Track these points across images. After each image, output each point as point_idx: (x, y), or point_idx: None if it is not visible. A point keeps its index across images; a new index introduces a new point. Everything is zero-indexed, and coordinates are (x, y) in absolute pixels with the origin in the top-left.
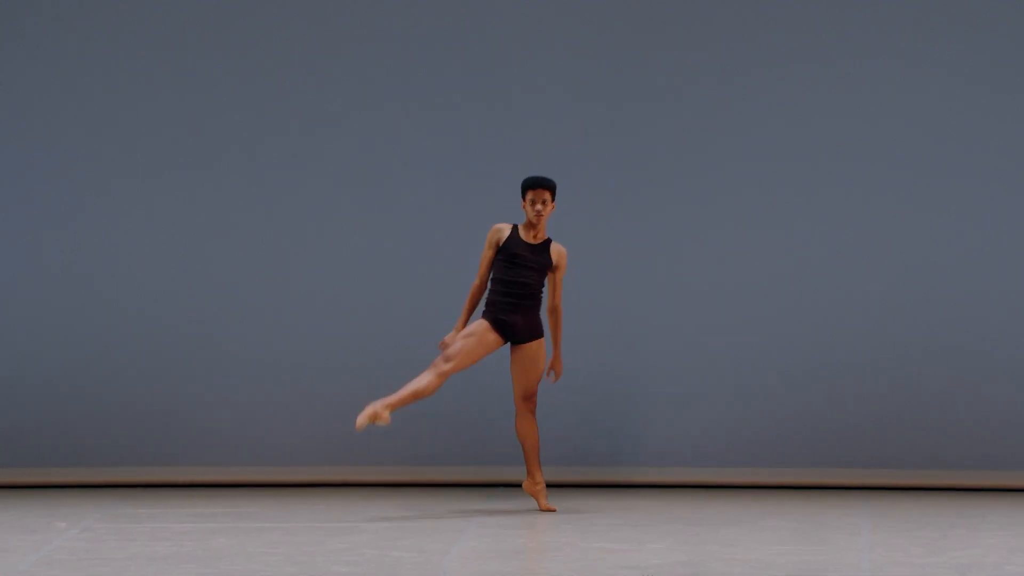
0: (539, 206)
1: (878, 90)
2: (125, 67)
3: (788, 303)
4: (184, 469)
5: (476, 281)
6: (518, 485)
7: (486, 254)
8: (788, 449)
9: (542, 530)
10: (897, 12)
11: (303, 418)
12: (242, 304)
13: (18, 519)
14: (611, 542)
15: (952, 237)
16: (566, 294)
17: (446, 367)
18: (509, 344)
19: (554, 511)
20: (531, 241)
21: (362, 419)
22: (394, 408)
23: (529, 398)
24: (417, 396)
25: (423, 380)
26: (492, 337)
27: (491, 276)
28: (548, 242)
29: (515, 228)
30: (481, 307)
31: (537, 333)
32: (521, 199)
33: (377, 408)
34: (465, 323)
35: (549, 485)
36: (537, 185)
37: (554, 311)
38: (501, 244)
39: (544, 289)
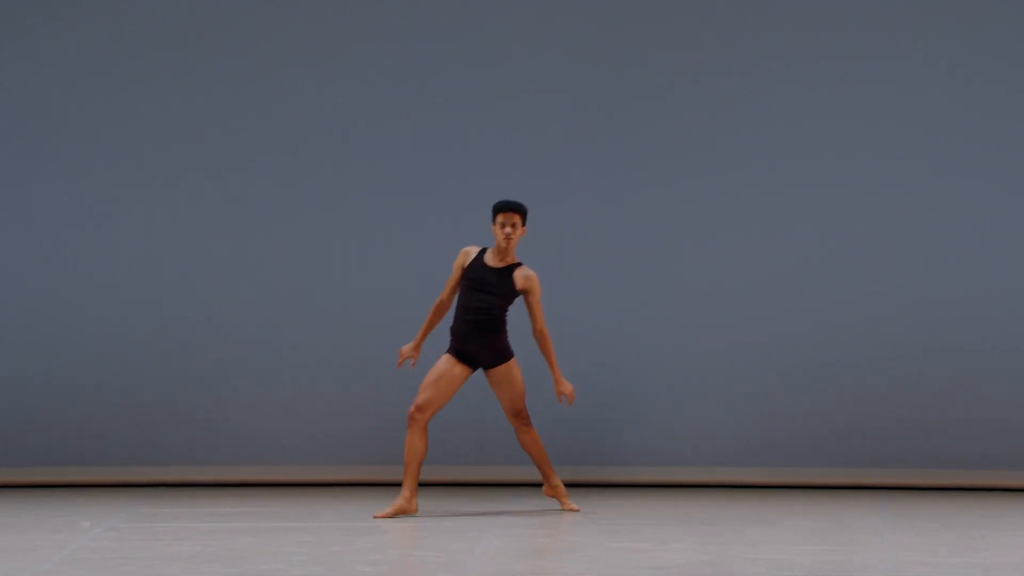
0: (508, 229)
1: (878, 90)
2: (138, 69)
3: (805, 302)
4: (208, 469)
5: (439, 297)
6: (541, 485)
7: (452, 275)
8: (808, 449)
9: (565, 530)
10: (899, 12)
11: (327, 417)
12: (267, 304)
13: (43, 518)
14: (635, 542)
15: (965, 234)
16: (578, 298)
17: (423, 416)
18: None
19: (577, 511)
20: (496, 265)
21: (388, 512)
22: (414, 490)
23: (518, 414)
24: (418, 458)
25: (412, 443)
26: (458, 370)
27: (456, 300)
28: (514, 267)
29: (483, 252)
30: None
31: (503, 356)
32: (491, 222)
33: (400, 504)
34: (424, 336)
35: (569, 485)
36: (507, 209)
37: (540, 336)
38: (466, 267)
39: (508, 313)
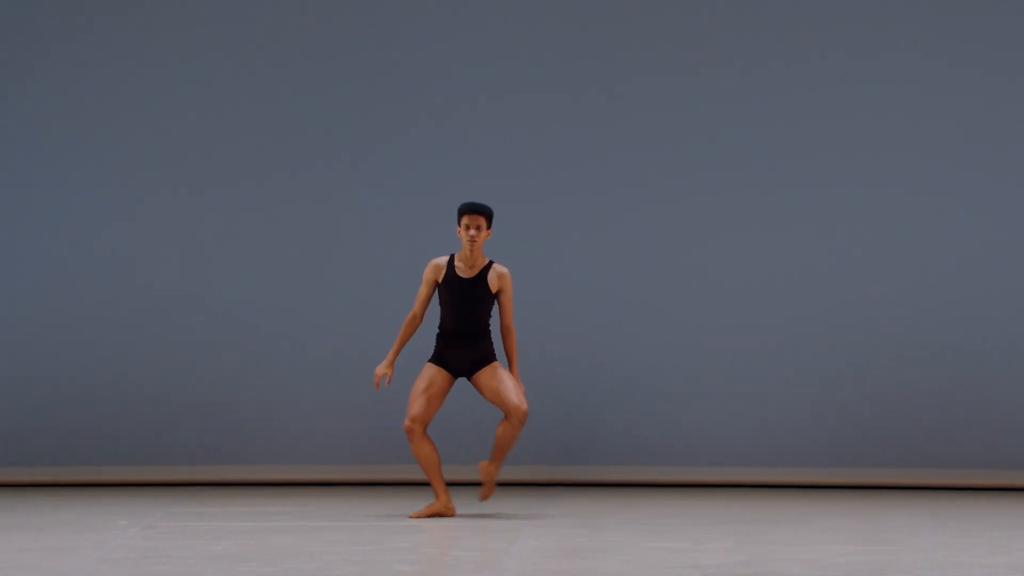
0: (473, 232)
1: (901, 89)
2: (167, 76)
3: (841, 300)
4: (246, 468)
5: (410, 314)
6: (577, 485)
7: (422, 291)
8: (846, 449)
9: (603, 530)
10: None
11: (364, 417)
12: (303, 305)
13: (81, 518)
14: (672, 541)
15: (992, 229)
16: (610, 298)
17: (420, 426)
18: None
19: (482, 500)
20: (466, 275)
21: (424, 512)
22: (446, 492)
23: (522, 403)
24: (434, 462)
25: (422, 451)
26: (441, 377)
27: (440, 312)
28: (486, 269)
29: (451, 261)
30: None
31: (486, 360)
32: (456, 224)
33: (437, 507)
34: (396, 353)
35: (606, 485)
36: (472, 211)
37: (506, 331)
38: (440, 282)
39: (492, 315)
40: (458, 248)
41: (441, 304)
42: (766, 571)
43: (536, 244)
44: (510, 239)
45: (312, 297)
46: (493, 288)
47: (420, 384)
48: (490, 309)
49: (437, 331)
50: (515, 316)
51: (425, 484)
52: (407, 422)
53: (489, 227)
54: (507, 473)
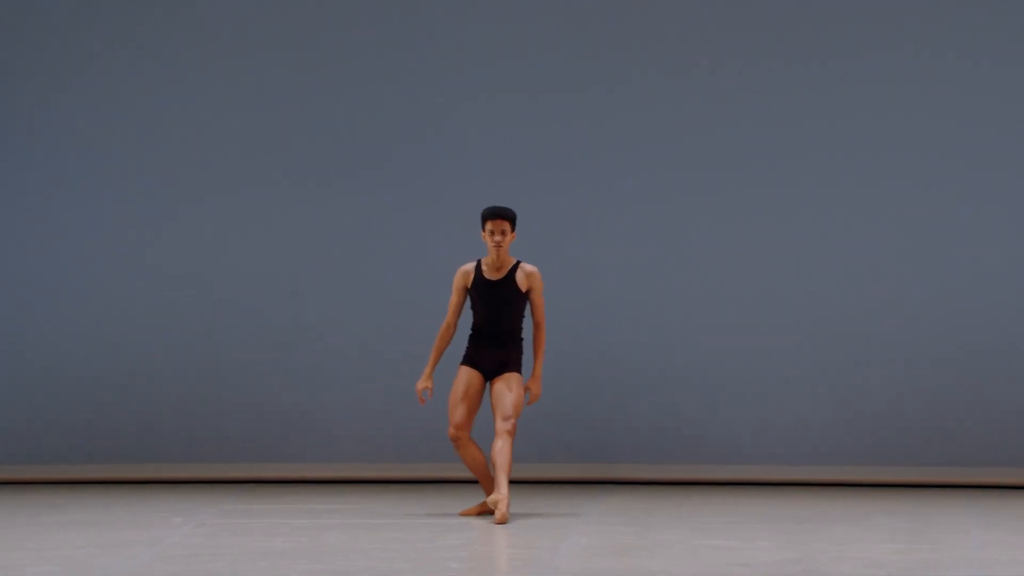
0: (498, 237)
1: (935, 87)
2: (219, 80)
3: (888, 299)
4: (298, 466)
5: (444, 324)
6: (624, 483)
7: (453, 299)
8: (895, 448)
9: (652, 527)
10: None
11: (415, 415)
12: (355, 304)
13: (135, 514)
14: (722, 539)
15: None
16: (681, 296)
17: (465, 433)
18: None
19: (500, 519)
20: (494, 277)
21: (473, 510)
22: (504, 493)
23: (508, 419)
24: (482, 465)
25: (469, 456)
26: (476, 379)
27: (473, 317)
28: (514, 269)
29: (478, 266)
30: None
31: (508, 366)
32: (481, 230)
33: (503, 510)
34: (434, 365)
35: (659, 483)
36: (496, 216)
37: (537, 327)
38: (469, 287)
39: (525, 316)
40: (484, 251)
41: (472, 308)
42: (816, 569)
43: (568, 243)
44: (531, 238)
45: (364, 298)
46: (523, 287)
47: (458, 391)
48: (522, 310)
49: (470, 332)
50: (566, 315)
51: (472, 482)
52: (451, 431)
53: (513, 230)
54: (554, 471)
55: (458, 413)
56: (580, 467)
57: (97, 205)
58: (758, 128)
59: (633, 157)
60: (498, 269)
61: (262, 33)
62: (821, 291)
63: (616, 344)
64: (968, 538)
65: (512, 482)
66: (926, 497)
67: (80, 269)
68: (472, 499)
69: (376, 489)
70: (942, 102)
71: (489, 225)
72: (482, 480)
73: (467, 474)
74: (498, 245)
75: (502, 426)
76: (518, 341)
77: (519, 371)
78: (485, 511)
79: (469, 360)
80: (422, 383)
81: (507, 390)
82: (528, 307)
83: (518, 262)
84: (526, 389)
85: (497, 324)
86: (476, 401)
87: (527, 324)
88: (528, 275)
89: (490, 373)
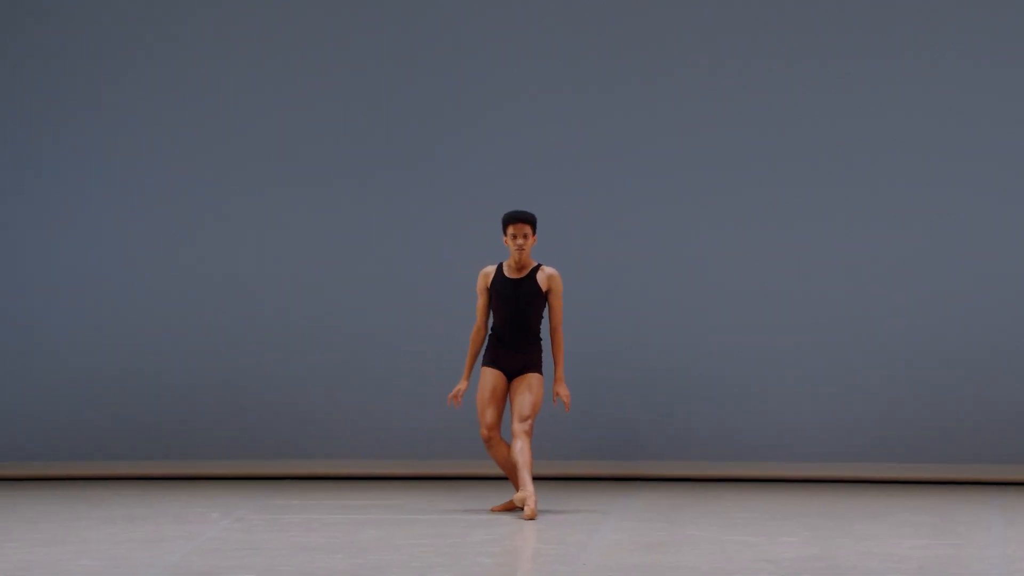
0: (520, 241)
1: (935, 87)
2: (256, 81)
3: (913, 297)
4: (332, 462)
5: (474, 327)
6: (651, 479)
7: (478, 302)
8: (919, 445)
9: (680, 523)
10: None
11: (445, 413)
12: (388, 303)
13: (174, 510)
14: (748, 535)
15: None
16: (709, 294)
17: (496, 433)
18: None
19: (530, 516)
20: (515, 276)
21: (504, 506)
22: (530, 490)
23: (525, 420)
24: (511, 465)
25: (500, 455)
26: (500, 380)
27: (491, 318)
28: (534, 271)
29: (500, 268)
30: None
31: (530, 367)
32: (502, 235)
33: (532, 506)
34: (471, 367)
35: (683, 480)
36: (517, 220)
37: (554, 332)
38: (490, 287)
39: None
40: (504, 252)
41: (492, 309)
42: (840, 564)
43: (585, 242)
44: (553, 238)
45: (398, 297)
46: (543, 288)
47: (485, 393)
48: (541, 310)
49: (489, 333)
50: (591, 312)
51: (501, 478)
52: (483, 432)
53: (534, 233)
54: (583, 468)
55: (488, 415)
56: (609, 464)
57: (133, 208)
58: (760, 128)
59: (653, 157)
60: (519, 271)
61: (285, 38)
62: (843, 288)
63: (643, 344)
64: (989, 533)
65: (543, 479)
66: (948, 494)
67: (123, 271)
68: (502, 495)
69: (408, 485)
70: (942, 102)
71: (511, 229)
72: (512, 478)
73: (496, 471)
74: (520, 248)
75: (519, 427)
76: (537, 342)
77: (539, 371)
78: (514, 508)
79: (491, 362)
80: (460, 386)
81: (526, 391)
82: (547, 309)
83: (539, 265)
84: (556, 395)
85: (517, 324)
86: (503, 401)
87: (544, 325)
88: (549, 276)
89: (512, 374)
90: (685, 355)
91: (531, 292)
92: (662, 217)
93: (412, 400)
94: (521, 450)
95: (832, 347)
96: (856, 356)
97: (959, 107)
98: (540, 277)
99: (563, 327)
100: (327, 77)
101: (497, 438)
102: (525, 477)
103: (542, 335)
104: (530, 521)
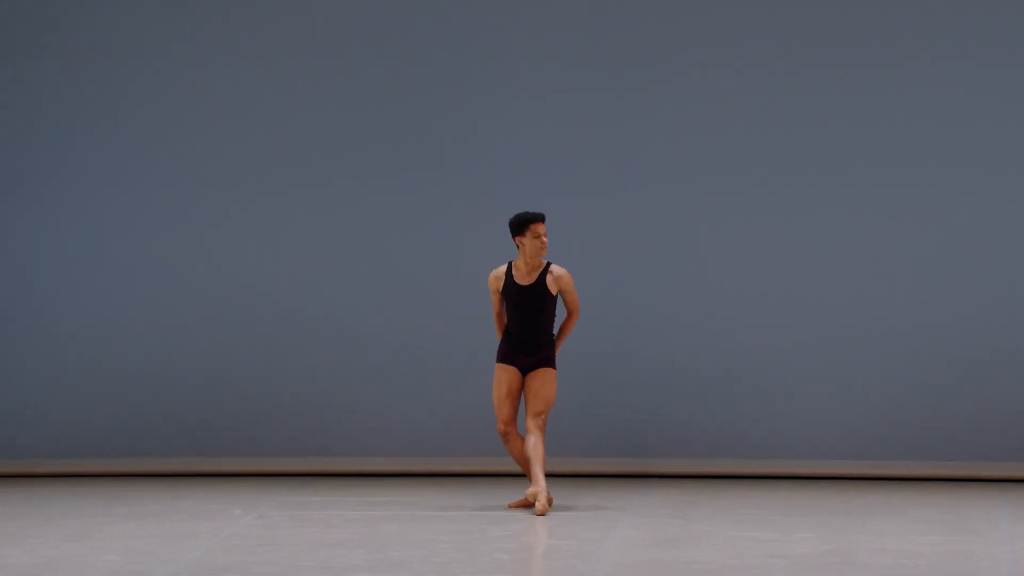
0: (545, 238)
1: (936, 88)
2: (273, 82)
3: (927, 296)
4: (353, 460)
5: (494, 313)
6: (666, 476)
7: (493, 299)
8: (932, 442)
9: (695, 520)
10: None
11: (464, 411)
12: (406, 302)
13: (197, 506)
14: (762, 531)
15: None
16: (724, 293)
17: (512, 427)
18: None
19: (542, 512)
20: (523, 282)
21: (521, 502)
22: (542, 485)
23: (539, 415)
24: (525, 459)
25: (516, 450)
26: (515, 376)
27: (507, 318)
28: (543, 274)
29: (508, 271)
30: None
31: (543, 363)
32: (520, 236)
33: (543, 501)
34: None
35: (704, 477)
36: (541, 219)
37: (570, 315)
38: (501, 291)
39: (556, 313)
40: (512, 253)
41: (508, 312)
42: (853, 560)
43: (593, 241)
44: (561, 237)
45: (417, 296)
46: (553, 290)
47: (500, 389)
48: (552, 312)
49: (504, 330)
50: (606, 305)
51: (519, 476)
52: (500, 427)
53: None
54: (598, 466)
55: (505, 410)
56: (624, 461)
57: (159, 208)
58: (760, 128)
59: (654, 158)
60: (529, 273)
61: (287, 40)
62: (860, 286)
63: (648, 343)
64: (1000, 530)
65: (559, 476)
66: (961, 491)
67: (151, 272)
68: (519, 492)
69: (428, 482)
70: (943, 103)
71: (537, 228)
72: (528, 472)
73: (515, 468)
74: (545, 245)
75: (533, 423)
76: (550, 339)
77: (553, 366)
78: (529, 504)
79: (505, 358)
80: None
81: (540, 386)
82: (559, 305)
83: (548, 265)
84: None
85: (529, 326)
86: (518, 396)
87: (557, 317)
88: (557, 279)
89: (525, 369)
90: (685, 355)
91: (542, 296)
92: (664, 217)
93: (430, 399)
94: (534, 445)
95: (839, 347)
96: (861, 355)
97: (959, 108)
98: (549, 280)
99: (573, 325)
100: (329, 79)
101: (514, 433)
102: (537, 472)
103: (554, 329)
104: (544, 517)
